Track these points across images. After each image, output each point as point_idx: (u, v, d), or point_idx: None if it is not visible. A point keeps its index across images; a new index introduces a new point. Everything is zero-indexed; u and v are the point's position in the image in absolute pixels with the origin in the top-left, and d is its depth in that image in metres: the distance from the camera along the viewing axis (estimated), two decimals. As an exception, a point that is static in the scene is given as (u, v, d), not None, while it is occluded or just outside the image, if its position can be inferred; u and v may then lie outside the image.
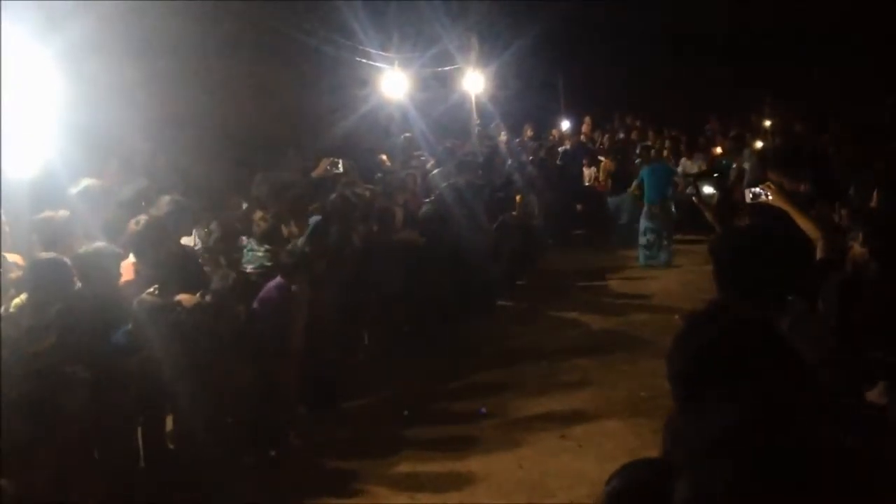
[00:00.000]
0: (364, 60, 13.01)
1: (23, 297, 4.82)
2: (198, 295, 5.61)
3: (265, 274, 6.70)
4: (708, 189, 5.16)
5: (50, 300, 4.75)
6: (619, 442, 6.10)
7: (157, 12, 9.17)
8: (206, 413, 5.55)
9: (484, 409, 7.10)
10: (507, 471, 5.81)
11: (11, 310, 4.76)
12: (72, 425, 4.66)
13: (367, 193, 8.78)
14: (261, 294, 6.34)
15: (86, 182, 6.34)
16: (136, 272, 5.69)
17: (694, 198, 5.34)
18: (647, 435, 6.03)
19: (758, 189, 4.75)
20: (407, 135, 12.49)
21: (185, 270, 5.94)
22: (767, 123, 16.69)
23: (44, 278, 4.77)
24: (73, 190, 6.15)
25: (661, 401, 6.78)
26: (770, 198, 4.63)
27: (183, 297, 5.55)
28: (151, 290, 5.38)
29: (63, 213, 5.48)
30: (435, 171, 10.87)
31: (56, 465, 4.49)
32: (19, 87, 6.07)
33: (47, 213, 5.45)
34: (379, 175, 10.16)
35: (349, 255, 7.69)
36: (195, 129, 9.92)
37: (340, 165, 8.81)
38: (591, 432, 6.36)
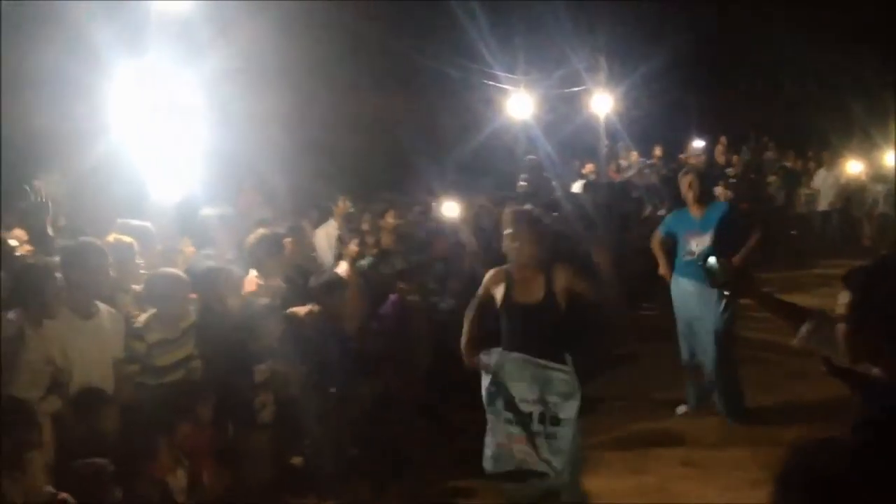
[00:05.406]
0: (490, 83, 13.14)
1: (150, 312, 5.01)
2: (308, 307, 5.80)
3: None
4: None
5: (175, 314, 4.96)
6: (743, 472, 5.81)
7: (288, 43, 9.58)
8: (328, 428, 5.69)
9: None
10: (628, 497, 5.66)
11: (137, 325, 4.93)
12: (199, 437, 4.85)
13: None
14: (380, 310, 6.46)
15: (221, 208, 6.65)
16: (258, 285, 5.91)
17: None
18: (773, 465, 5.79)
19: None
20: (530, 157, 12.52)
21: (298, 285, 6.16)
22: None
23: (162, 290, 4.94)
24: (208, 212, 6.47)
25: (784, 430, 6.52)
26: None
27: (295, 309, 5.74)
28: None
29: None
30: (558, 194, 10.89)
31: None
32: (167, 114, 6.50)
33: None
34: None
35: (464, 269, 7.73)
36: (321, 152, 10.29)
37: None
38: (715, 460, 6.14)
